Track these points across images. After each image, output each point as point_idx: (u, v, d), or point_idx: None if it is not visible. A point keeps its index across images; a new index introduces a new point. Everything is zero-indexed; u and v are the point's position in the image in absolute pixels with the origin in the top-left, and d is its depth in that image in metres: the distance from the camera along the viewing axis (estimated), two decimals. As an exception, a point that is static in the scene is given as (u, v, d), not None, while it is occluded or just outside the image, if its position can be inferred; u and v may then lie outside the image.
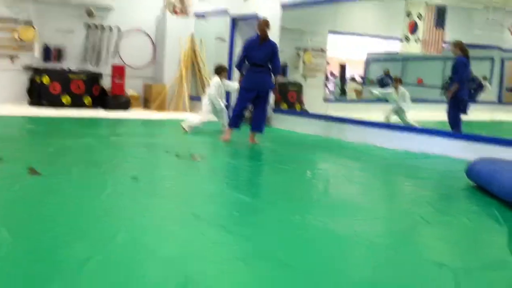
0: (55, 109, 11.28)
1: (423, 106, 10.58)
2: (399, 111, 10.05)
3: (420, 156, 7.41)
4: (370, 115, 9.73)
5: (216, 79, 8.80)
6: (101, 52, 12.74)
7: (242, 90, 7.88)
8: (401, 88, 10.22)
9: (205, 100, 8.83)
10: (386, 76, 12.32)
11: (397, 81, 10.42)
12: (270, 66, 7.69)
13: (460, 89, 7.94)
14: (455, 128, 7.92)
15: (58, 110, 11.08)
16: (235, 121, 7.98)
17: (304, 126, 9.81)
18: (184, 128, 8.75)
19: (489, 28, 9.51)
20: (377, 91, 10.95)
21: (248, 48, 7.81)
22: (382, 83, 12.31)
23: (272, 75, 7.73)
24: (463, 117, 8.04)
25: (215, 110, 8.79)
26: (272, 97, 8.93)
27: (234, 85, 8.91)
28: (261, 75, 7.73)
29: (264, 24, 7.73)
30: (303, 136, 9.27)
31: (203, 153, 6.62)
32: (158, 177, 5.35)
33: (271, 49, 7.66)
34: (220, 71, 8.86)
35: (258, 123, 7.91)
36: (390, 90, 10.47)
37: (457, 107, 8.03)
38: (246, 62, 7.78)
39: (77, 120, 9.73)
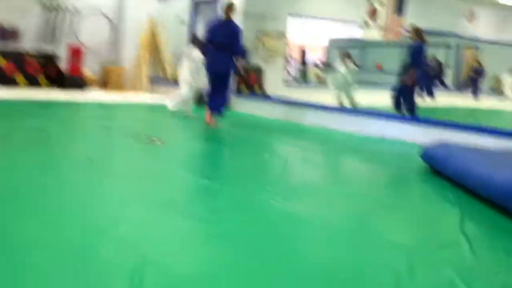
0: (10, 89, 10.98)
1: (382, 91, 10.71)
2: (346, 87, 10.02)
3: (377, 140, 7.51)
4: (330, 100, 9.81)
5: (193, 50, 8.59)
6: (57, 33, 12.43)
7: (208, 73, 7.83)
8: (350, 65, 10.18)
9: (184, 72, 8.62)
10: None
11: (345, 56, 10.26)
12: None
13: (416, 75, 8.07)
14: (412, 112, 8.04)
15: (13, 91, 10.78)
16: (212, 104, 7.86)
17: (264, 110, 9.81)
18: (171, 110, 8.58)
19: (447, 15, 9.65)
20: (331, 84, 10.87)
21: (211, 30, 7.76)
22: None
23: (234, 57, 7.67)
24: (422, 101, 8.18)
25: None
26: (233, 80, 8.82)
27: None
28: (221, 56, 7.64)
29: (227, 7, 7.68)
30: (263, 119, 9.27)
31: (162, 135, 6.55)
32: (115, 159, 5.27)
33: (233, 31, 7.60)
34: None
35: (217, 105, 7.85)
36: (338, 69, 10.35)
37: (413, 92, 8.16)
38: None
39: (32, 102, 9.48)
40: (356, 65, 10.31)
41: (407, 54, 8.17)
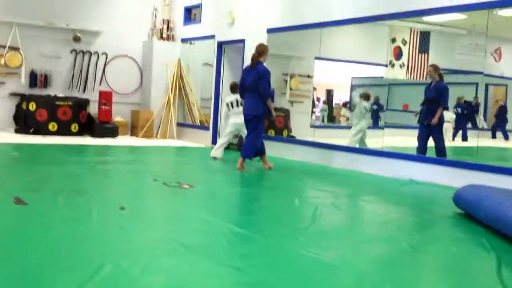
0: (42, 136, 11.23)
1: (409, 132, 10.64)
2: (364, 130, 9.79)
3: (407, 183, 7.45)
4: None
5: (234, 96, 8.94)
6: (87, 78, 12.74)
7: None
8: (366, 105, 10.03)
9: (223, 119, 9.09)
10: (376, 102, 12.29)
11: (365, 97, 10.07)
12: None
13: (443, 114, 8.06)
14: (444, 154, 7.96)
15: (44, 137, 11.03)
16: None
17: (292, 152, 9.85)
18: (214, 157, 8.90)
19: (472, 54, 9.64)
20: (350, 115, 10.78)
21: (243, 74, 8.03)
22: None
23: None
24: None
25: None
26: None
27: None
28: (249, 100, 7.83)
29: (255, 50, 7.90)
30: (291, 162, 9.29)
31: (191, 180, 6.60)
32: (145, 205, 5.31)
33: (257, 73, 7.72)
34: (236, 88, 8.87)
35: (245, 149, 7.92)
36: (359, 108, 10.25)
37: (442, 132, 8.10)
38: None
39: (64, 147, 9.68)
40: (372, 107, 10.25)
41: (431, 93, 8.16)
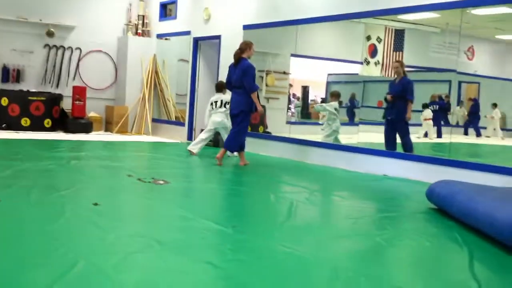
0: (14, 131, 11.08)
1: (384, 128, 10.74)
2: (337, 130, 9.60)
3: (381, 178, 7.52)
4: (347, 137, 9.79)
5: (219, 95, 9.08)
6: (61, 73, 12.58)
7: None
8: (335, 104, 9.96)
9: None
10: (352, 99, 12.32)
11: (335, 96, 9.91)
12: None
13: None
14: (410, 149, 8.06)
15: (17, 133, 10.88)
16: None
17: (267, 148, 9.88)
18: (190, 151, 8.93)
19: (446, 52, 9.75)
20: (320, 105, 10.69)
21: (229, 71, 8.16)
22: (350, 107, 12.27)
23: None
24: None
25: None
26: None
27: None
28: (236, 96, 7.98)
29: (239, 47, 8.07)
30: (266, 158, 9.31)
31: (166, 176, 6.56)
32: (119, 201, 5.27)
33: (241, 70, 7.82)
34: (221, 88, 9.09)
35: (228, 141, 8.05)
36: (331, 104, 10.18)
37: (407, 127, 8.22)
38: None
39: (37, 143, 9.55)
40: (346, 104, 10.23)
41: (396, 88, 8.26)
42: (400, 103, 8.16)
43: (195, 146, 8.99)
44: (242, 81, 7.80)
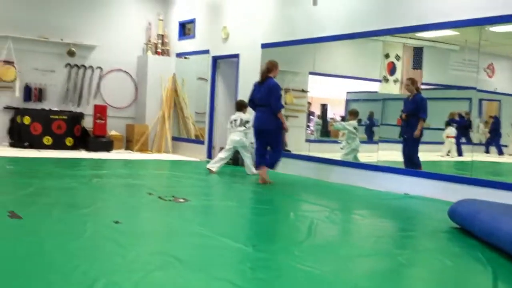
0: (36, 150, 11.21)
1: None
2: (356, 148, 9.57)
3: (402, 197, 7.46)
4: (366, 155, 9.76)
5: (238, 114, 9.20)
6: (82, 92, 12.75)
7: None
8: (353, 122, 9.96)
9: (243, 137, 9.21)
10: (371, 117, 12.25)
11: (353, 115, 9.95)
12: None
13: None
14: (416, 165, 8.03)
15: (39, 151, 11.01)
16: (256, 161, 8.33)
17: (287, 166, 9.85)
18: (210, 169, 9.02)
19: (465, 69, 9.70)
20: (340, 124, 10.71)
21: (253, 89, 8.29)
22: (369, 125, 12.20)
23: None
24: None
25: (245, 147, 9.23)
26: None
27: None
28: (260, 114, 8.10)
29: (266, 66, 8.22)
30: (286, 176, 9.30)
31: (186, 194, 6.58)
32: (140, 219, 5.29)
33: (268, 88, 7.96)
34: (241, 107, 9.22)
35: (269, 160, 8.22)
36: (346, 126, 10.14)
37: (417, 144, 8.20)
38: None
39: (58, 161, 9.65)
40: (365, 122, 10.20)
41: (409, 106, 8.26)
42: (414, 120, 8.14)
43: (214, 165, 9.03)
44: (268, 100, 7.91)
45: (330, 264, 3.80)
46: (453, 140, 10.13)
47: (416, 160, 8.13)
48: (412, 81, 8.39)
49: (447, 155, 10.16)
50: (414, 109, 8.18)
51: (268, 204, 6.70)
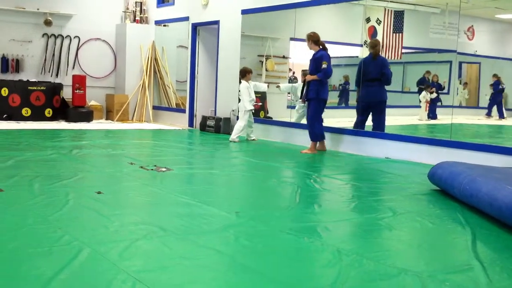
0: (15, 121, 11.08)
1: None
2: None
3: (383, 161, 7.53)
4: (336, 120, 9.81)
5: (243, 83, 9.32)
6: (60, 62, 12.56)
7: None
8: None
9: (241, 104, 9.46)
10: (346, 83, 12.29)
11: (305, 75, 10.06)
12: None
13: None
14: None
15: (18, 123, 10.88)
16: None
17: (269, 134, 9.88)
18: (233, 141, 9.22)
19: (445, 32, 9.71)
20: (284, 85, 10.77)
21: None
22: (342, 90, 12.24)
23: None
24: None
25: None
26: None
27: (263, 86, 9.80)
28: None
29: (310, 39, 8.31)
30: (268, 143, 9.32)
31: (168, 163, 6.58)
32: (122, 189, 5.28)
33: (313, 60, 8.25)
34: (245, 74, 9.36)
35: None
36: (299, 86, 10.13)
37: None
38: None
39: (38, 132, 9.55)
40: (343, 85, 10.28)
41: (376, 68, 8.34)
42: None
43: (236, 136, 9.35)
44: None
45: (311, 229, 3.85)
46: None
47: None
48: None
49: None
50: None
51: (251, 171, 6.72)
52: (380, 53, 8.48)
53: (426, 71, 10.36)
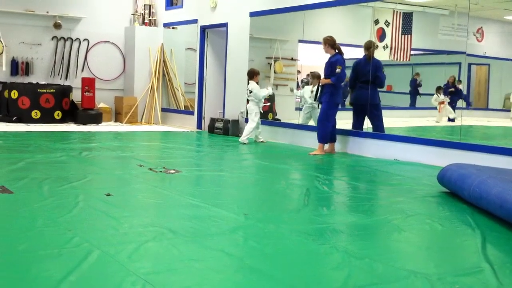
0: (25, 124, 11.14)
1: (393, 112, 10.68)
2: (313, 112, 9.66)
3: (392, 163, 7.50)
4: (344, 122, 9.80)
5: (253, 83, 9.40)
6: (70, 65, 12.62)
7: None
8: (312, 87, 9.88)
9: (250, 105, 9.47)
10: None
11: (315, 78, 9.66)
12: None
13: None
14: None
15: (28, 125, 10.94)
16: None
17: (277, 136, 9.88)
18: (242, 142, 9.22)
19: (454, 34, 9.68)
20: (297, 92, 10.84)
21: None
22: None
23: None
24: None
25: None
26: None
27: (268, 91, 9.67)
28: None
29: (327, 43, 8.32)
30: (276, 145, 9.31)
31: (177, 165, 6.59)
32: (131, 191, 5.29)
33: (329, 63, 8.26)
34: (253, 75, 9.42)
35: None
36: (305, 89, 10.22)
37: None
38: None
39: (48, 135, 9.60)
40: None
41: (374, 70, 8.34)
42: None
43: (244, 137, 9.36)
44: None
45: (321, 231, 3.84)
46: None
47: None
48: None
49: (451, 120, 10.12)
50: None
51: (259, 173, 6.72)
52: (374, 55, 8.46)
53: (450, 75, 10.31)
